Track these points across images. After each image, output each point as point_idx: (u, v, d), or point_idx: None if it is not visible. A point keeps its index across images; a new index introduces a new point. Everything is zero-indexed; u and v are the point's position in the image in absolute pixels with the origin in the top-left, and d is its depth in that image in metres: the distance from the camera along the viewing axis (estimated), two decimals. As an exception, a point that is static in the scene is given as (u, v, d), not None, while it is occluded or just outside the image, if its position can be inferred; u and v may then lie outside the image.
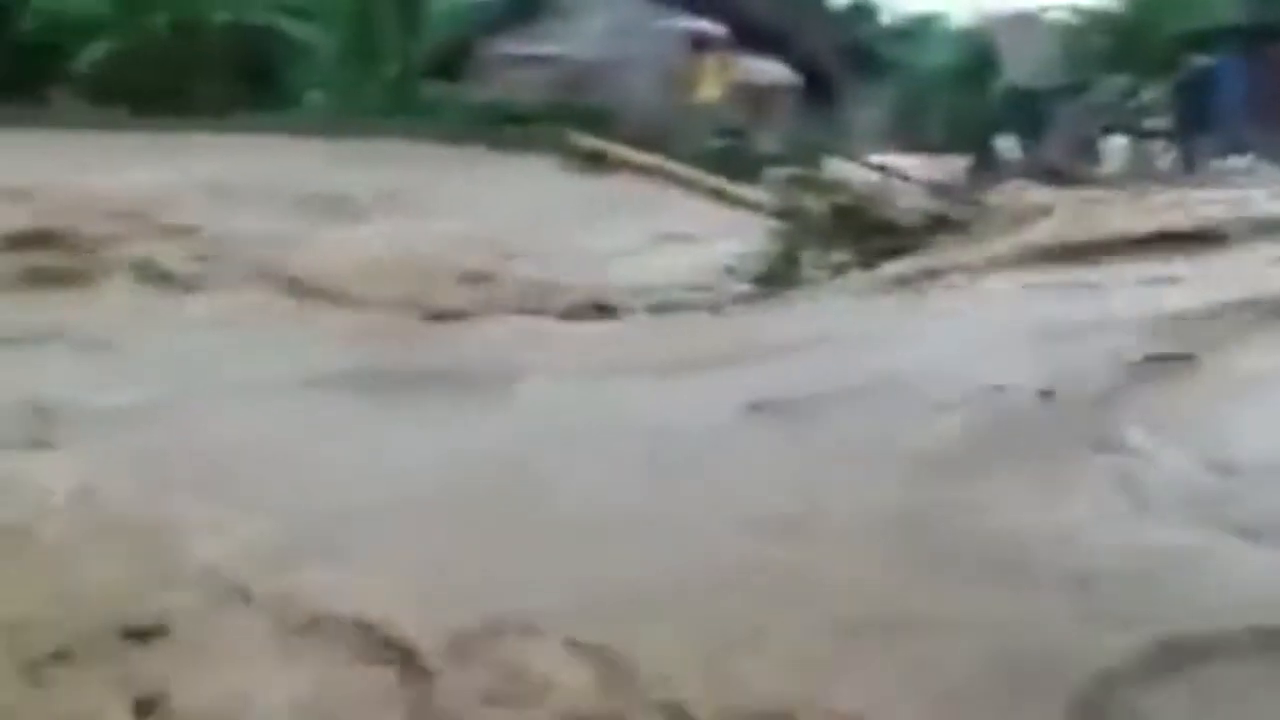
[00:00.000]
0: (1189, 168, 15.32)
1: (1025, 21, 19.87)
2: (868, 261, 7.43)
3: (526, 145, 13.74)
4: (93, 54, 16.44)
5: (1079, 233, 6.74)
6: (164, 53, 17.01)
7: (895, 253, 7.49)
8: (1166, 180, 13.38)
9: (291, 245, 6.85)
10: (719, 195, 11.87)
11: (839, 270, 7.44)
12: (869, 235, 7.92)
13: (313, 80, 18.56)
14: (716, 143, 15.52)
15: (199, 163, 10.03)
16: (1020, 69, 18.52)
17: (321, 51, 17.95)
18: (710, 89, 17.16)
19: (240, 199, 8.52)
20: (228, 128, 14.92)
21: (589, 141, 13.70)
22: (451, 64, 18.97)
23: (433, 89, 18.49)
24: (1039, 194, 10.34)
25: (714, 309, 6.24)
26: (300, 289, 5.90)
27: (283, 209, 8.62)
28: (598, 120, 15.27)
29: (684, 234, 8.68)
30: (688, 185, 12.23)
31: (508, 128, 15.04)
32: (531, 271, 6.68)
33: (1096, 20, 22.68)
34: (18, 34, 15.80)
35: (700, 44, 17.70)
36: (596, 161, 13.22)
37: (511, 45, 18.92)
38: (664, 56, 17.40)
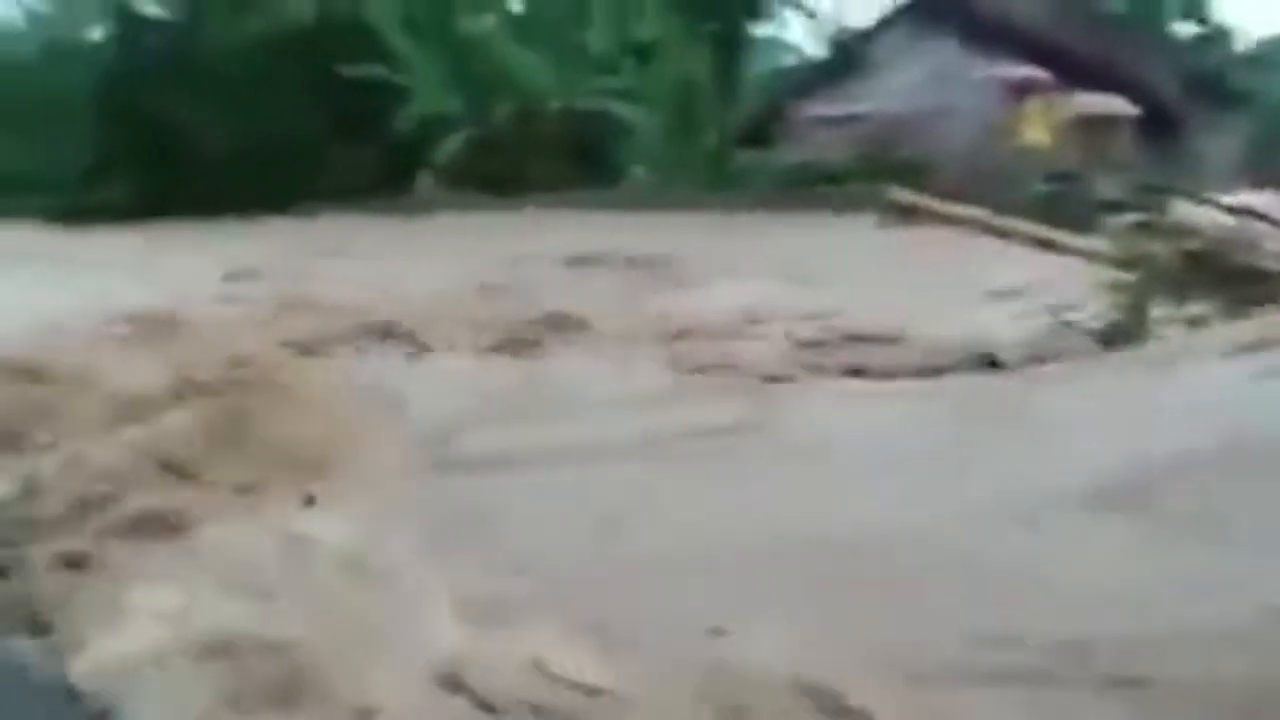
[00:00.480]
0: None
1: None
2: (1229, 313, 6.84)
3: (843, 205, 13.87)
4: (450, 146, 18.46)
5: None
6: (508, 140, 18.85)
7: (1259, 303, 6.85)
8: None
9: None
10: (1048, 245, 11.36)
11: (1195, 324, 6.88)
12: (1228, 284, 7.28)
13: (637, 156, 19.75)
14: (1044, 189, 14.86)
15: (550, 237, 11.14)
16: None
17: (645, 129, 19.06)
18: (1037, 133, 16.45)
19: (590, 268, 9.35)
20: (562, 204, 16.28)
21: (906, 197, 13.59)
22: (764, 130, 19.51)
23: (747, 156, 19.12)
24: None
25: (1055, 367, 5.97)
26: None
27: (618, 277, 9.28)
28: (913, 174, 15.14)
29: (1012, 288, 8.37)
30: (1012, 237, 11.80)
31: (822, 188, 15.29)
32: (861, 331, 6.71)
33: None
34: (392, 134, 18.05)
35: (1023, 90, 17.07)
36: (914, 217, 13.09)
37: (821, 106, 19.20)
38: (982, 105, 16.95)
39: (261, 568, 2.98)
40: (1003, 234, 12.01)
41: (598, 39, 19.93)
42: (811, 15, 20.54)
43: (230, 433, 4.20)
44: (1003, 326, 6.94)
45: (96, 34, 20.49)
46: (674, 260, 9.72)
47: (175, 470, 4.00)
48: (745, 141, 19.57)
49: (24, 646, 2.30)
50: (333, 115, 18.20)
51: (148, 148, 18.01)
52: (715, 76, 19.26)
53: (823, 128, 18.32)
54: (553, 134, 18.91)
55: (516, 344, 6.60)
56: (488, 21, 19.11)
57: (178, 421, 4.36)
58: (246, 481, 3.86)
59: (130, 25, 19.51)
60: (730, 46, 19.08)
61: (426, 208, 17.34)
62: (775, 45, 23.57)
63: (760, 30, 21.47)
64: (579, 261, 10.03)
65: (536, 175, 19.12)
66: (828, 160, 16.72)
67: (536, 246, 10.54)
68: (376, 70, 17.78)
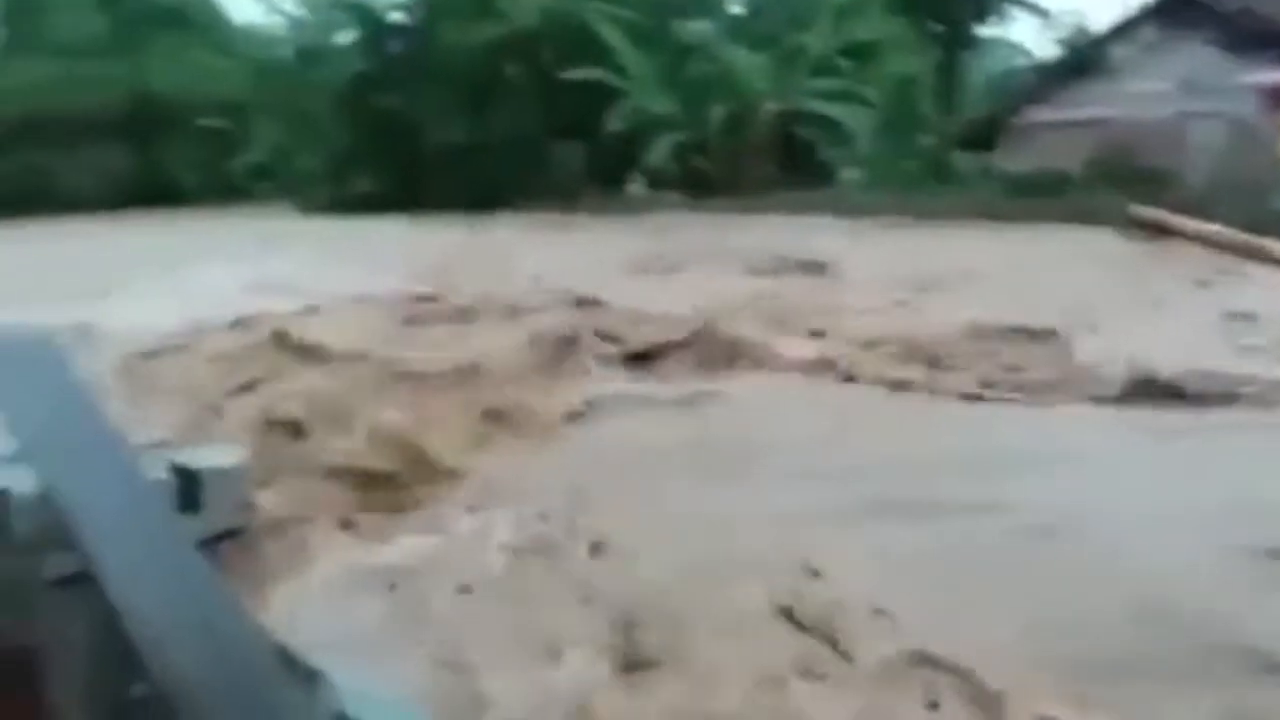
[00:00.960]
0: None
1: None
2: None
3: (1071, 214, 13.13)
4: (661, 147, 18.75)
5: None
6: (719, 142, 18.95)
7: None
8: None
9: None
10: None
11: None
12: None
13: (850, 158, 19.42)
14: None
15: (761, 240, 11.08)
16: None
17: (859, 130, 18.71)
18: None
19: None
20: (772, 206, 16.20)
21: (1147, 211, 12.72)
22: (987, 134, 18.73)
23: (967, 160, 18.42)
24: None
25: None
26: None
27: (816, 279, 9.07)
28: (1153, 184, 14.15)
29: (1252, 312, 7.65)
30: (1263, 257, 10.81)
31: (1048, 197, 14.53)
32: (1088, 353, 6.31)
33: None
34: (605, 135, 18.51)
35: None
36: (1153, 231, 12.23)
37: (1052, 111, 18.20)
38: (1239, 112, 15.60)
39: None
40: (1255, 254, 11.03)
41: (817, 40, 19.73)
42: (1044, 15, 19.55)
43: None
44: (1236, 352, 6.36)
45: (346, 38, 22.05)
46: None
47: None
48: (966, 145, 18.85)
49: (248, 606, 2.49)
50: (552, 116, 18.84)
51: (387, 144, 19.23)
52: (937, 78, 18.68)
53: (1052, 133, 17.36)
54: (765, 136, 18.86)
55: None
56: (705, 26, 19.24)
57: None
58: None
59: (375, 30, 20.88)
60: (954, 47, 18.41)
61: (635, 207, 17.68)
62: (1004, 46, 22.60)
63: (988, 31, 20.65)
64: (811, 268, 9.81)
65: (747, 177, 19.13)
66: (1056, 167, 15.86)
67: (755, 250, 10.40)
68: (594, 73, 18.26)
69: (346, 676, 2.23)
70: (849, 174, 19.61)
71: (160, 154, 23.64)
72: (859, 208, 15.48)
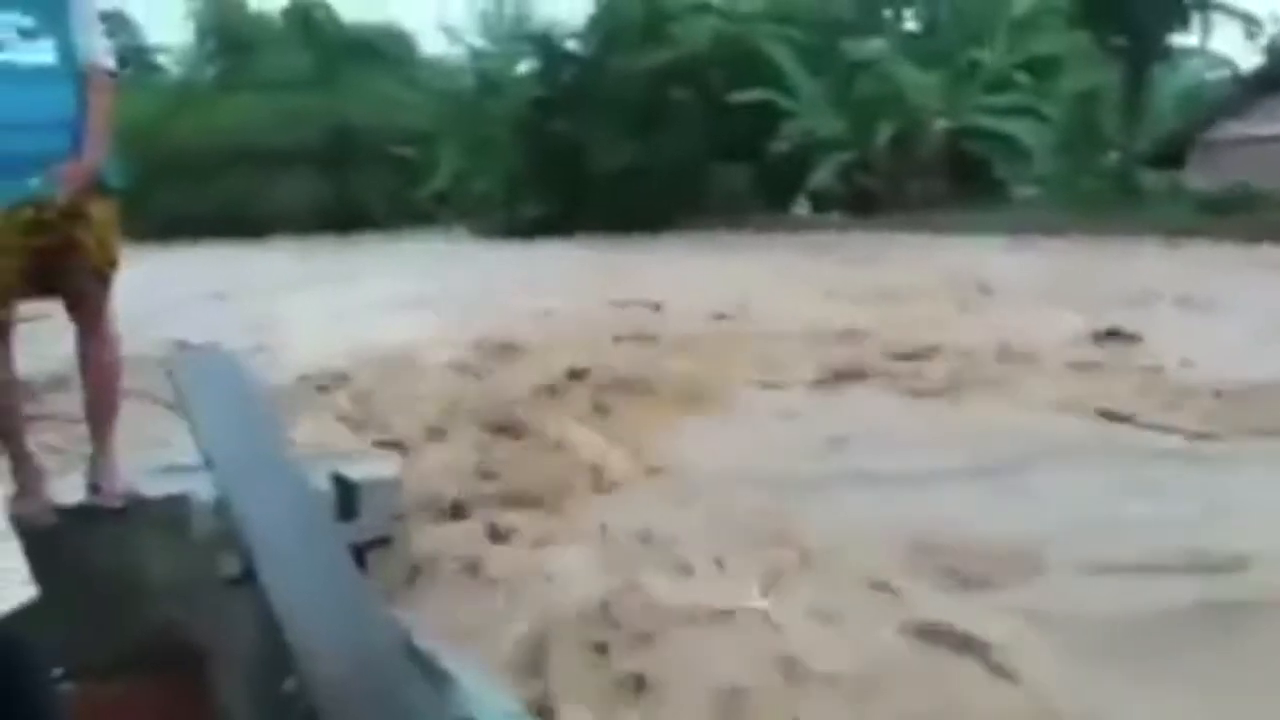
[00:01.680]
0: None
1: None
2: None
3: (1265, 233, 12.27)
4: (826, 167, 18.61)
5: None
6: (886, 161, 18.66)
7: None
8: None
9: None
10: None
11: None
12: None
13: (1026, 176, 18.77)
14: None
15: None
16: None
17: (1036, 147, 18.05)
18: None
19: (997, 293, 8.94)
20: (943, 226, 15.83)
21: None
22: (1175, 151, 17.70)
23: (1153, 178, 17.48)
24: None
25: None
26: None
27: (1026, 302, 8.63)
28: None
29: None
30: None
31: (1236, 215, 13.63)
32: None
33: None
34: (771, 157, 18.53)
35: None
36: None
37: (1244, 126, 16.97)
38: None
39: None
40: None
41: (993, 56, 19.17)
42: (1253, 23, 18.13)
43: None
44: None
45: (525, 68, 22.94)
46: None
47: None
48: (1153, 162, 17.88)
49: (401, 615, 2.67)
50: (718, 138, 19.01)
51: (556, 169, 19.85)
52: (1122, 92, 17.79)
53: (1246, 148, 16.20)
54: (935, 154, 18.45)
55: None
56: (877, 44, 19.00)
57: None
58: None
59: (551, 59, 21.63)
60: (1143, 60, 17.46)
61: (799, 226, 17.63)
62: (1202, 57, 21.22)
63: (1184, 41, 19.48)
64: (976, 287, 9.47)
65: (915, 195, 18.76)
66: (1256, 185, 14.78)
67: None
68: (762, 95, 18.33)
69: (473, 680, 2.39)
70: (1025, 192, 18.95)
71: (353, 181, 25.16)
72: (1034, 225, 14.94)
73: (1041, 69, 19.46)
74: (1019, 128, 18.14)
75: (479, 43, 24.92)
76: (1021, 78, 19.46)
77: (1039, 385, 5.73)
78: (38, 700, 1.95)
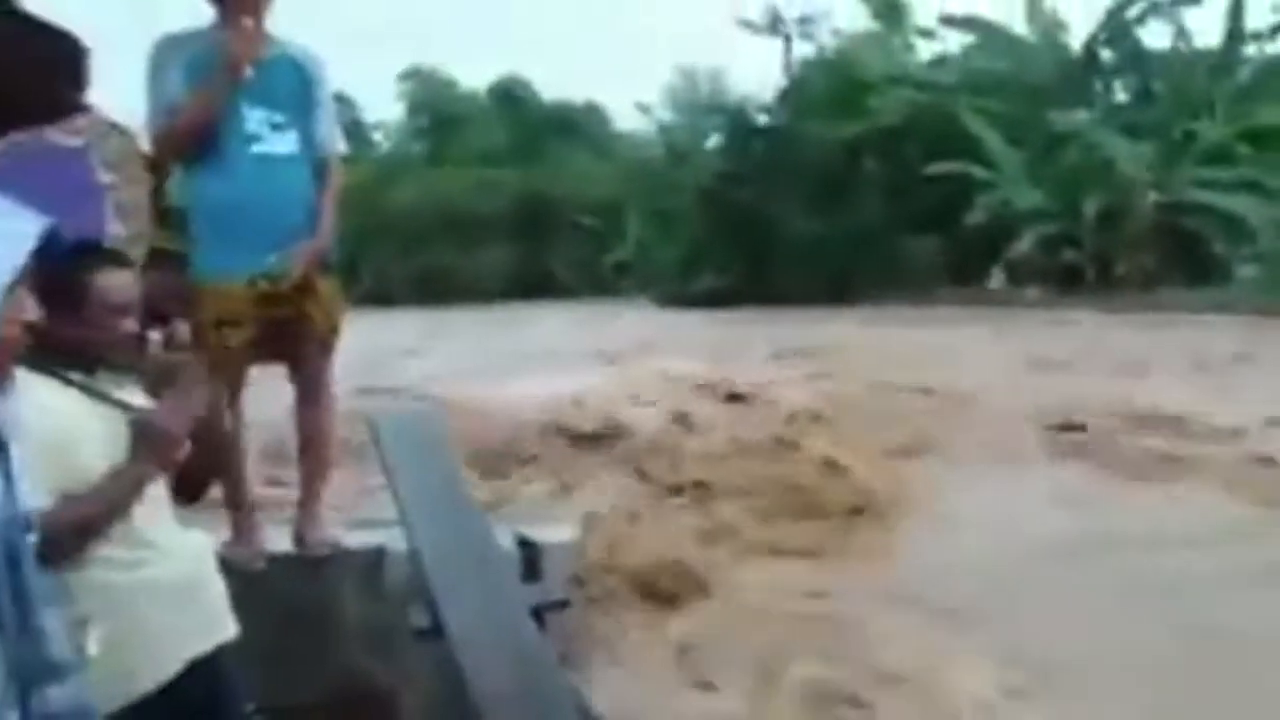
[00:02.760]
0: None
1: None
2: None
3: None
4: (1026, 240, 17.94)
5: None
6: (1093, 235, 17.83)
7: None
8: None
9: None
10: None
11: None
12: None
13: (1248, 254, 17.52)
14: None
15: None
16: None
17: (1257, 224, 16.85)
18: None
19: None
20: (1156, 304, 14.99)
21: None
22: None
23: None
24: None
25: None
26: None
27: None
28: None
29: None
30: None
31: None
32: None
33: None
34: (967, 226, 18.03)
35: None
36: None
37: None
38: None
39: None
40: None
41: (1210, 127, 18.13)
42: None
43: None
44: None
45: (714, 141, 23.36)
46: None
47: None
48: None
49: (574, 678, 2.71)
50: (910, 209, 18.70)
51: (739, 238, 19.98)
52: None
53: None
54: (1145, 229, 17.49)
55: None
56: (1082, 116, 18.31)
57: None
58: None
59: (740, 131, 21.93)
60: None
61: (994, 300, 17.02)
62: None
63: None
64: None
65: (1125, 272, 17.82)
66: None
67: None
68: (958, 166, 17.93)
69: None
70: (1246, 272, 17.68)
71: (544, 251, 26.16)
72: (1256, 307, 13.90)
73: (1266, 141, 18.24)
74: (1238, 203, 16.96)
75: (669, 118, 25.61)
76: (1243, 149, 18.29)
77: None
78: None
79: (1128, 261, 17.75)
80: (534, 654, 2.64)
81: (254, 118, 2.94)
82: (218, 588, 2.08)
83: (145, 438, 1.85)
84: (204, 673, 1.98)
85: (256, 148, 2.95)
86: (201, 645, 1.99)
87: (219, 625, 2.04)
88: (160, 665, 1.91)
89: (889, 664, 3.30)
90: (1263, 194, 17.18)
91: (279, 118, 2.98)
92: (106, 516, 1.82)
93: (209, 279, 2.88)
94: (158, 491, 1.97)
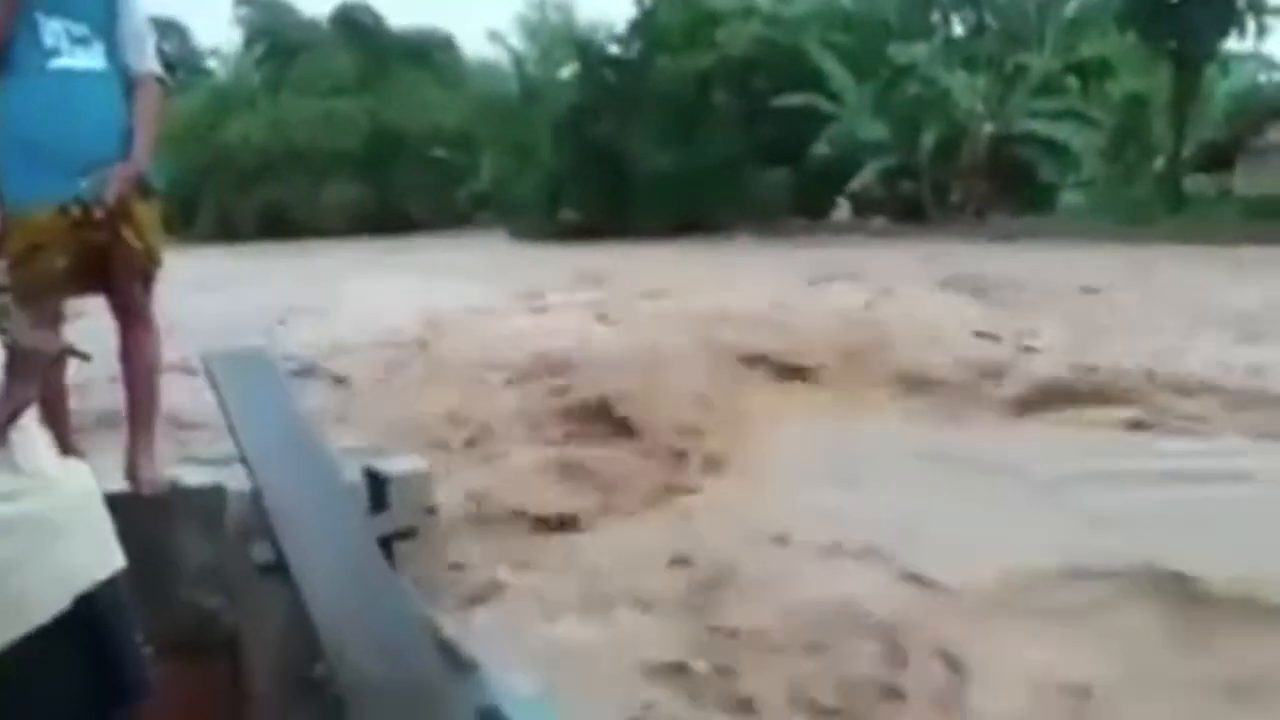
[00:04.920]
0: None
1: None
2: None
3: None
4: (866, 173, 18.50)
5: None
6: (930, 166, 18.52)
7: None
8: None
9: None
10: None
11: None
12: None
13: (1073, 182, 18.52)
14: None
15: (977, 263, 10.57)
16: None
17: (1084, 152, 17.81)
18: None
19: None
20: (984, 233, 15.69)
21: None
22: (1225, 156, 17.41)
23: (1202, 183, 17.20)
24: None
25: None
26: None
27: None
28: None
29: None
30: None
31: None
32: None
33: None
34: (812, 161, 18.45)
35: None
36: None
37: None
38: None
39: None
40: None
41: (1040, 59, 18.97)
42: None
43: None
44: None
45: (566, 73, 23.03)
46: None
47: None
48: (1203, 167, 17.59)
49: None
50: (759, 142, 18.97)
51: (597, 172, 19.90)
52: (1172, 96, 17.53)
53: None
54: (980, 159, 18.26)
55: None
56: (921, 49, 18.85)
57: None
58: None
59: (592, 64, 21.69)
60: (1193, 64, 17.19)
61: (838, 232, 17.54)
62: (1256, 61, 20.85)
63: (1237, 45, 19.16)
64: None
65: (959, 201, 18.59)
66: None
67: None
68: (805, 99, 18.26)
69: (498, 672, 2.43)
70: (1071, 198, 18.71)
71: (395, 185, 25.45)
72: (1080, 232, 14.76)
73: (1090, 72, 19.22)
74: (1066, 132, 17.89)
75: (522, 47, 25.08)
76: (1070, 81, 19.23)
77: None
78: (135, 661, 2.02)
79: (963, 191, 18.52)
80: (376, 583, 2.63)
81: (51, 29, 2.72)
82: (103, 516, 2.00)
83: (17, 358, 1.75)
84: (97, 603, 1.91)
85: (56, 62, 2.73)
86: (94, 575, 1.91)
87: (109, 555, 1.96)
88: (52, 597, 1.83)
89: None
90: (1087, 123, 18.16)
91: (80, 29, 2.77)
92: None
93: (17, 208, 2.69)
94: (31, 422, 1.87)
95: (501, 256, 15.95)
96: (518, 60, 24.67)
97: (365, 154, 25.34)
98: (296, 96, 26.62)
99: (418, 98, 26.50)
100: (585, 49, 22.04)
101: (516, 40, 25.22)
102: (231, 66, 31.41)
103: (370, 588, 2.53)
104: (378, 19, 29.19)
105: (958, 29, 21.74)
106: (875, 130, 18.51)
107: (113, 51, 2.83)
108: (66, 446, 2.89)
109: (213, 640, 2.87)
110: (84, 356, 2.03)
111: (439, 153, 24.69)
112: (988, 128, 18.37)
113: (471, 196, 23.99)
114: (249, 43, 30.13)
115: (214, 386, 3.13)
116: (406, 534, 2.94)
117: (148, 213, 2.87)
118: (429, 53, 29.34)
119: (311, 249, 19.25)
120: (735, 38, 19.77)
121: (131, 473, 2.93)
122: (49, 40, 2.72)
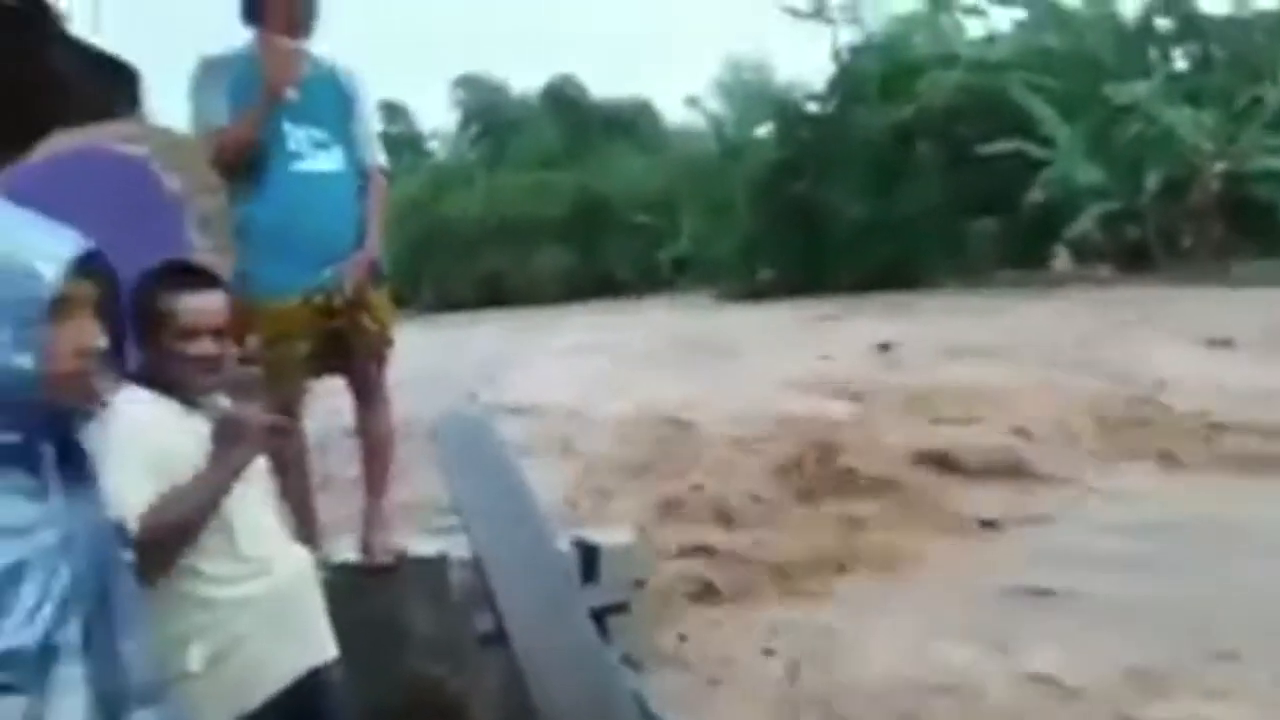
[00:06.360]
0: None
1: None
2: None
3: None
4: (1086, 218, 17.51)
5: None
6: (1154, 210, 17.35)
7: None
8: None
9: None
10: None
11: None
12: None
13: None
14: None
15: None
16: None
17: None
18: None
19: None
20: (1229, 280, 14.55)
21: None
22: None
23: None
24: None
25: None
26: None
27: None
28: None
29: None
30: None
31: None
32: None
33: None
34: (1026, 206, 17.64)
35: None
36: None
37: None
38: None
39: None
40: None
41: (1276, 91, 17.53)
42: None
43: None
44: None
45: (763, 133, 23.15)
46: None
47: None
48: None
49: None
50: (966, 192, 18.36)
51: (794, 230, 19.78)
52: None
53: None
54: (1210, 200, 16.98)
55: None
56: (1142, 87, 17.79)
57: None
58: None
59: (790, 122, 21.71)
60: None
61: (1059, 282, 16.66)
62: None
63: None
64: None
65: (1189, 246, 17.35)
66: None
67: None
68: (1013, 145, 17.56)
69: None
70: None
71: (601, 250, 26.22)
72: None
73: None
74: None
75: (720, 110, 25.43)
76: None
77: None
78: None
79: (1194, 234, 17.26)
80: (594, 656, 2.66)
81: (296, 136, 3.01)
82: (319, 603, 2.10)
83: (225, 427, 1.87)
84: (310, 689, 1.99)
85: (300, 166, 3.02)
86: (307, 661, 2.00)
87: (322, 640, 2.06)
88: (266, 682, 1.93)
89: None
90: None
91: (321, 135, 3.05)
92: (201, 511, 1.82)
93: (264, 297, 2.96)
94: (260, 507, 1.99)
95: (724, 319, 15.57)
96: (715, 122, 25.04)
97: (573, 222, 26.27)
98: (510, 171, 28.02)
99: (621, 165, 27.32)
100: (782, 108, 22.12)
101: (714, 103, 25.64)
102: (450, 146, 33.40)
103: (585, 662, 2.56)
104: (582, 91, 30.43)
105: (1179, 64, 20.46)
106: (1092, 174, 17.53)
107: (348, 149, 3.10)
108: (306, 515, 3.10)
109: (436, 708, 2.98)
110: (289, 430, 2.16)
111: (641, 218, 25.27)
112: (1219, 166, 17.07)
113: (673, 259, 24.35)
114: (465, 123, 32.04)
115: (440, 453, 3.28)
116: (619, 608, 2.97)
117: (381, 297, 3.10)
118: (631, 120, 30.29)
119: (527, 315, 19.88)
120: (936, 86, 19.32)
121: (365, 544, 3.11)
122: (293, 146, 3.01)
